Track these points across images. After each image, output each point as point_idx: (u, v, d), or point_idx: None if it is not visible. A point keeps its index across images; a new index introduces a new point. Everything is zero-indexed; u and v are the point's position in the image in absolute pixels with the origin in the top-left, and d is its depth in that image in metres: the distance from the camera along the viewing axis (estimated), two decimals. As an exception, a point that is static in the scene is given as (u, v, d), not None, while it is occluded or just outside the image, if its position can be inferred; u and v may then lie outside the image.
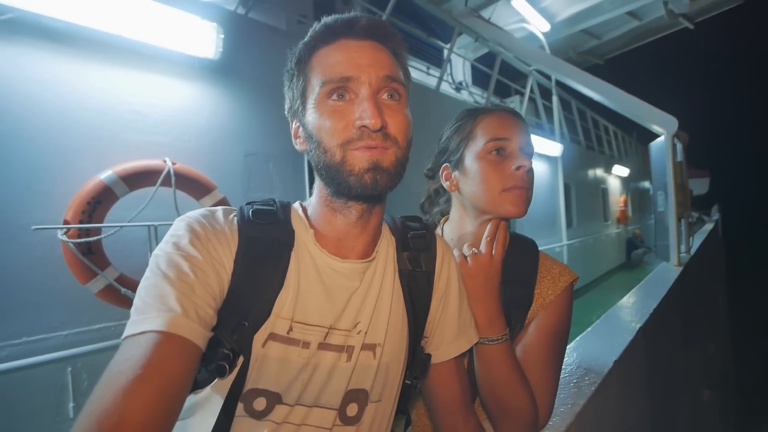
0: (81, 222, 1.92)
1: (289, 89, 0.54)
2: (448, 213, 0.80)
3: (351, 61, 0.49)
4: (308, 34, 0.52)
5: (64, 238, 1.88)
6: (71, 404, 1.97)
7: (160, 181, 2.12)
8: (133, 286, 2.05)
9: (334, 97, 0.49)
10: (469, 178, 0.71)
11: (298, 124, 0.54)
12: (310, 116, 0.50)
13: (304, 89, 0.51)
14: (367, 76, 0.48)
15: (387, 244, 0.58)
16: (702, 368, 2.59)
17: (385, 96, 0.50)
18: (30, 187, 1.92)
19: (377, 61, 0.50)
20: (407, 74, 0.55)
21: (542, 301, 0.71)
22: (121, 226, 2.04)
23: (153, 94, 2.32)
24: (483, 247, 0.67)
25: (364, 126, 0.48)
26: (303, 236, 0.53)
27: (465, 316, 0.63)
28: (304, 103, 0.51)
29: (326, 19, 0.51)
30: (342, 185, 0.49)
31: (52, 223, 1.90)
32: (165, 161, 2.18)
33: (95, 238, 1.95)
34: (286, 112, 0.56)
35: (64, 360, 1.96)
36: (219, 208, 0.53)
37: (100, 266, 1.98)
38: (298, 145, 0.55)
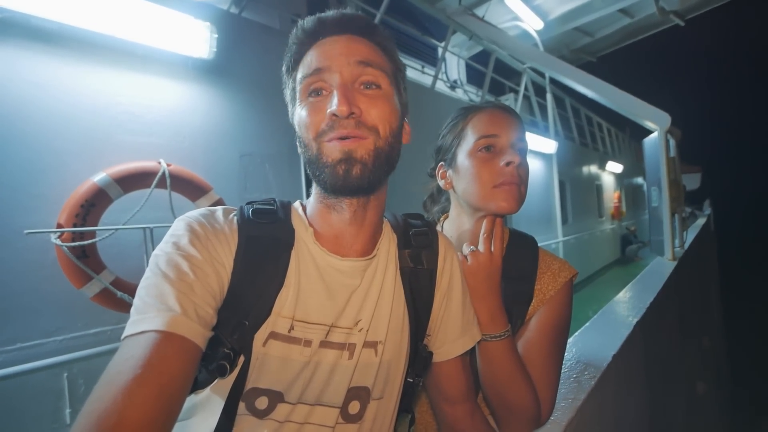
0: (75, 225, 1.90)
1: (285, 95, 0.55)
2: (448, 211, 0.81)
3: (324, 54, 0.49)
4: (290, 42, 0.52)
5: (58, 242, 1.86)
6: (68, 410, 1.95)
7: (155, 182, 2.10)
8: (129, 289, 2.03)
9: (312, 93, 0.49)
10: (462, 175, 0.71)
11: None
12: (296, 115, 0.51)
13: (292, 90, 0.53)
14: (338, 64, 0.48)
15: (388, 242, 0.58)
16: (698, 360, 2.62)
17: (362, 85, 0.49)
18: (22, 191, 1.90)
19: (349, 50, 0.49)
20: (395, 63, 0.54)
21: (542, 297, 0.71)
22: (116, 229, 2.02)
23: (146, 94, 2.30)
24: (481, 245, 0.67)
25: (334, 114, 0.47)
26: (303, 235, 0.53)
27: (468, 313, 0.62)
28: (293, 104, 0.53)
29: (301, 23, 0.52)
30: (321, 178, 0.49)
31: (45, 226, 1.88)
32: (159, 163, 2.16)
33: (90, 241, 1.93)
34: (289, 117, 0.57)
35: (59, 365, 1.93)
36: (219, 207, 0.52)
37: (95, 270, 1.96)
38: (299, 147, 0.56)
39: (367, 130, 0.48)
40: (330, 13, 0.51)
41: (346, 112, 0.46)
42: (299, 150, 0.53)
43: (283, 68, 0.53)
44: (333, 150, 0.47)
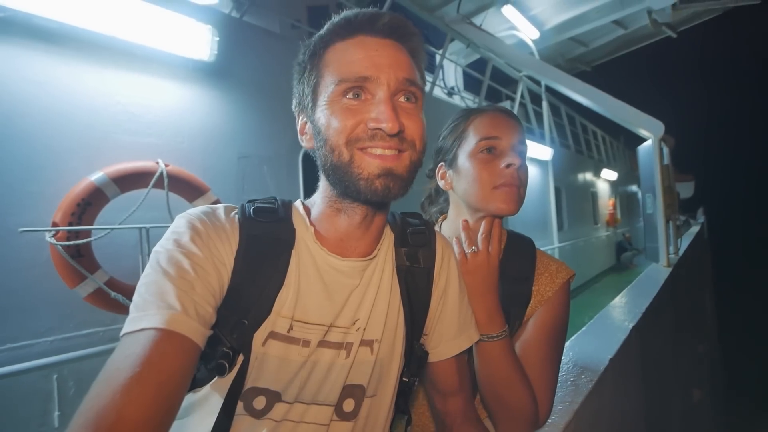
0: (70, 224, 1.88)
1: (300, 83, 0.52)
2: (446, 212, 0.81)
3: (370, 60, 0.47)
4: (325, 27, 0.50)
5: (53, 240, 1.84)
6: (56, 413, 1.92)
7: (152, 182, 2.09)
8: (124, 289, 2.01)
9: (349, 96, 0.47)
10: (462, 176, 0.72)
11: (305, 119, 0.52)
12: (321, 113, 0.48)
13: (316, 85, 0.49)
14: (386, 77, 0.47)
15: (387, 241, 0.58)
16: (692, 365, 2.64)
17: (402, 99, 0.49)
18: (18, 188, 1.88)
19: (397, 62, 0.48)
20: (423, 76, 0.53)
21: (540, 298, 0.71)
22: (112, 229, 2.01)
23: (146, 95, 2.30)
24: (479, 245, 0.67)
25: (379, 128, 0.46)
26: (303, 235, 0.52)
27: (465, 313, 0.62)
28: (315, 99, 0.49)
29: (346, 13, 0.49)
30: (350, 188, 0.48)
31: (40, 225, 1.86)
32: (158, 163, 2.16)
33: (84, 240, 1.91)
34: (293, 107, 0.54)
35: (49, 367, 1.90)
36: (220, 205, 0.52)
37: (89, 269, 1.94)
38: (304, 141, 0.53)
39: (407, 143, 0.48)
40: (378, 11, 0.49)
41: (395, 130, 0.46)
42: (316, 147, 0.50)
43: (306, 52, 0.50)
44: (370, 165, 0.46)
